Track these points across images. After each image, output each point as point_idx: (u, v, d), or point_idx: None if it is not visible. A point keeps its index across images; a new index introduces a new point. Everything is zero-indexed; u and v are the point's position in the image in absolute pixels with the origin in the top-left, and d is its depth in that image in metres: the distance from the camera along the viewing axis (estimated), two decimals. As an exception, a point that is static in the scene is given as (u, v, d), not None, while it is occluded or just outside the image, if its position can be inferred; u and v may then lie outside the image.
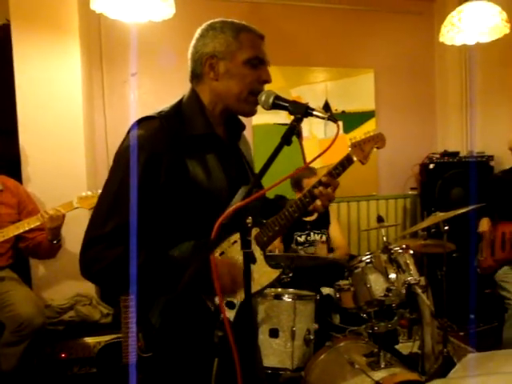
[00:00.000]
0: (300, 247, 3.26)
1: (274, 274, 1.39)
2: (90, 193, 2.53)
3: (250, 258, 1.07)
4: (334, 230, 3.44)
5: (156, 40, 3.53)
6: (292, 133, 1.23)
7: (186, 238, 1.28)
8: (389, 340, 2.88)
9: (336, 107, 4.03)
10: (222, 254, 1.33)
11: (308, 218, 3.26)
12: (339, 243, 3.41)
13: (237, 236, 1.32)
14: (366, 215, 4.11)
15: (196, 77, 1.35)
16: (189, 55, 1.35)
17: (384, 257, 2.24)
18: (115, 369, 2.21)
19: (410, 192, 4.25)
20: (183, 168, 1.25)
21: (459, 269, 3.49)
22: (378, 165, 4.14)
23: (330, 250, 3.35)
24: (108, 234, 1.18)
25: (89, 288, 2.99)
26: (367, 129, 4.10)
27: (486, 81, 4.11)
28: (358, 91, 4.10)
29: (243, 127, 1.50)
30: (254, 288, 1.31)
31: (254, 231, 1.37)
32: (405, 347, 3.06)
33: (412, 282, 2.12)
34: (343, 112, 4.06)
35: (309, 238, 3.29)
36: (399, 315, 2.25)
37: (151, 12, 2.35)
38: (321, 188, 1.38)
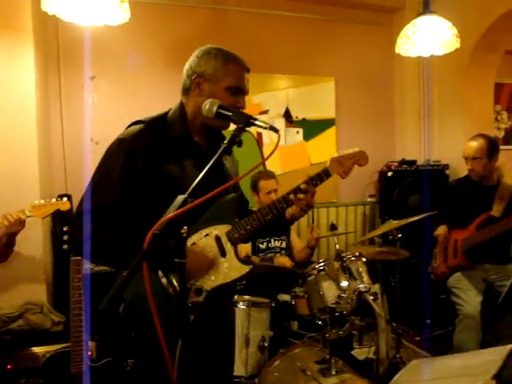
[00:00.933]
0: (261, 254, 3.27)
1: (243, 269, 1.50)
2: (42, 201, 2.47)
3: (184, 268, 1.08)
4: (293, 237, 3.48)
5: (116, 44, 3.49)
6: (233, 142, 1.25)
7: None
8: (344, 346, 2.93)
9: (297, 114, 4.06)
10: (193, 244, 1.46)
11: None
12: (299, 247, 3.45)
13: (209, 230, 1.49)
14: (326, 222, 4.16)
15: (185, 90, 1.54)
16: (184, 71, 1.54)
17: (336, 264, 2.27)
18: (63, 379, 2.15)
19: (368, 199, 4.31)
20: (159, 164, 1.43)
21: (416, 275, 3.56)
22: (337, 172, 4.18)
23: (290, 255, 3.38)
24: (89, 211, 1.37)
25: (40, 295, 2.91)
26: (327, 137, 4.16)
27: (442, 92, 4.24)
28: (318, 99, 4.14)
29: (224, 139, 1.63)
30: (223, 280, 1.48)
31: (226, 228, 1.51)
32: (361, 353, 3.11)
33: (362, 289, 2.15)
34: (304, 119, 4.09)
35: (270, 244, 3.32)
36: (351, 322, 2.27)
37: (106, 16, 2.32)
38: (300, 195, 1.52)
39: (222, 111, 1.36)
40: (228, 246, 1.50)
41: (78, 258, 2.22)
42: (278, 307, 2.90)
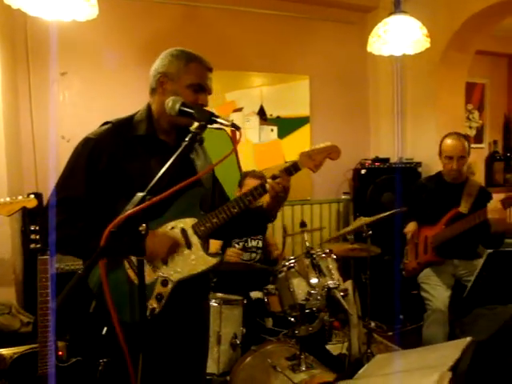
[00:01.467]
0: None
1: (210, 261, 1.55)
2: (8, 199, 2.41)
3: (143, 265, 1.08)
4: (270, 235, 3.49)
5: (88, 40, 3.45)
6: (194, 140, 1.25)
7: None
8: (318, 342, 2.95)
9: (271, 112, 4.07)
10: None
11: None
12: (273, 246, 3.46)
13: (175, 223, 1.54)
14: (300, 219, 4.17)
15: (151, 91, 1.60)
16: (150, 72, 1.60)
17: (307, 261, 2.28)
18: (30, 381, 2.12)
19: (343, 197, 4.35)
20: (123, 162, 1.49)
21: (390, 271, 3.60)
22: (312, 170, 4.21)
23: (266, 254, 3.38)
24: (56, 204, 1.46)
25: (8, 295, 2.85)
26: (302, 134, 4.18)
27: (414, 91, 4.30)
28: (293, 97, 4.15)
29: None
30: (189, 272, 1.52)
31: (192, 221, 1.55)
32: (335, 348, 3.15)
33: (331, 285, 2.16)
34: (278, 117, 4.11)
35: (246, 244, 3.31)
36: (321, 318, 2.29)
37: (74, 11, 2.28)
38: (274, 183, 1.57)
39: (185, 108, 1.40)
40: (194, 239, 1.54)
41: (46, 257, 2.18)
42: (252, 304, 2.91)
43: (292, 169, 1.61)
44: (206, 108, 1.49)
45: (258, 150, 3.99)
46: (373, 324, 3.76)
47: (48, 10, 2.24)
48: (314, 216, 4.27)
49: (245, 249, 3.29)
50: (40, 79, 3.40)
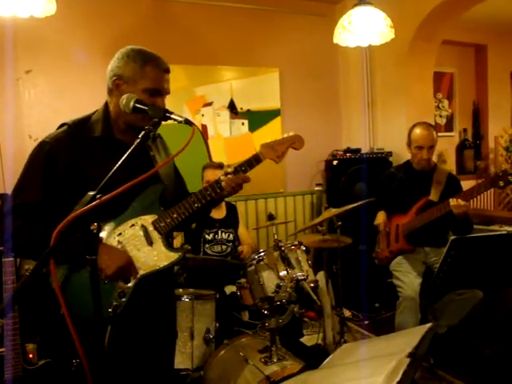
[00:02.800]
0: (207, 245, 3.27)
1: (172, 257, 1.55)
2: None
3: (96, 265, 1.07)
4: (242, 230, 3.49)
5: (51, 37, 3.37)
6: (147, 138, 1.25)
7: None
8: (293, 333, 2.98)
9: (241, 106, 4.06)
10: (119, 234, 1.51)
11: (217, 216, 3.30)
12: (246, 241, 3.46)
13: (135, 220, 1.54)
14: (274, 212, 4.19)
15: (109, 91, 1.59)
16: (107, 72, 1.59)
17: (276, 254, 2.29)
18: (-3, 385, 2.09)
19: (316, 188, 4.37)
20: (81, 164, 1.48)
21: (366, 261, 3.64)
22: (284, 162, 4.21)
23: (236, 248, 3.39)
24: (12, 209, 1.45)
25: (-24, 300, 2.80)
26: (273, 127, 4.19)
27: (384, 81, 4.33)
28: (263, 90, 4.15)
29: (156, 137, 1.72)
30: (151, 268, 1.52)
31: (152, 218, 1.55)
32: (311, 339, 3.19)
33: (300, 277, 2.18)
34: (248, 111, 4.10)
35: (216, 236, 3.31)
36: (291, 310, 2.30)
37: (30, 7, 2.23)
38: (230, 176, 1.59)
39: (139, 105, 1.40)
40: (155, 235, 1.54)
41: (11, 259, 2.15)
42: (226, 298, 2.91)
43: (253, 160, 1.62)
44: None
45: (229, 144, 3.98)
46: (348, 313, 3.82)
47: (3, 5, 2.19)
48: (288, 208, 4.28)
49: (215, 240, 3.29)
50: (3, 77, 3.32)
